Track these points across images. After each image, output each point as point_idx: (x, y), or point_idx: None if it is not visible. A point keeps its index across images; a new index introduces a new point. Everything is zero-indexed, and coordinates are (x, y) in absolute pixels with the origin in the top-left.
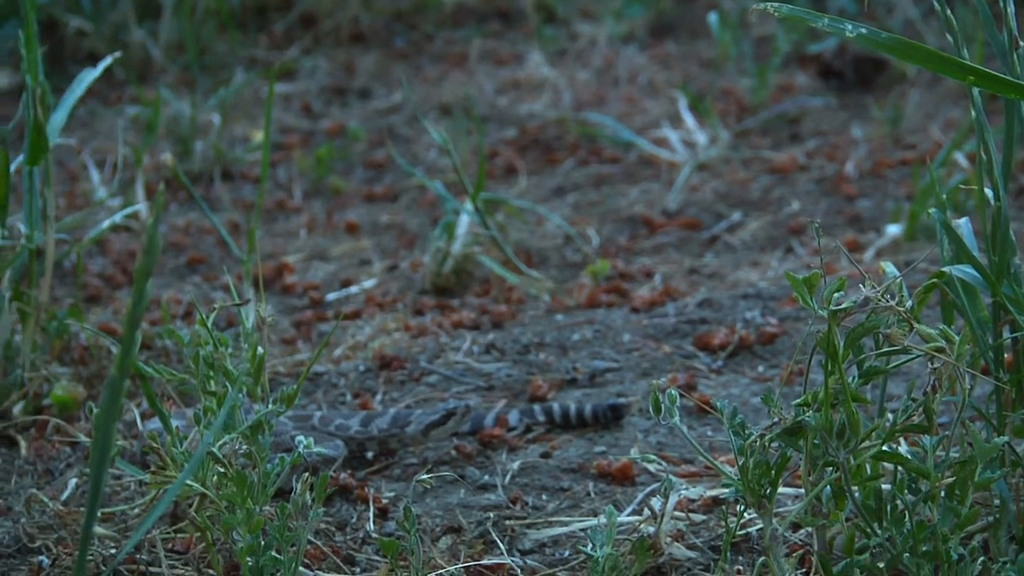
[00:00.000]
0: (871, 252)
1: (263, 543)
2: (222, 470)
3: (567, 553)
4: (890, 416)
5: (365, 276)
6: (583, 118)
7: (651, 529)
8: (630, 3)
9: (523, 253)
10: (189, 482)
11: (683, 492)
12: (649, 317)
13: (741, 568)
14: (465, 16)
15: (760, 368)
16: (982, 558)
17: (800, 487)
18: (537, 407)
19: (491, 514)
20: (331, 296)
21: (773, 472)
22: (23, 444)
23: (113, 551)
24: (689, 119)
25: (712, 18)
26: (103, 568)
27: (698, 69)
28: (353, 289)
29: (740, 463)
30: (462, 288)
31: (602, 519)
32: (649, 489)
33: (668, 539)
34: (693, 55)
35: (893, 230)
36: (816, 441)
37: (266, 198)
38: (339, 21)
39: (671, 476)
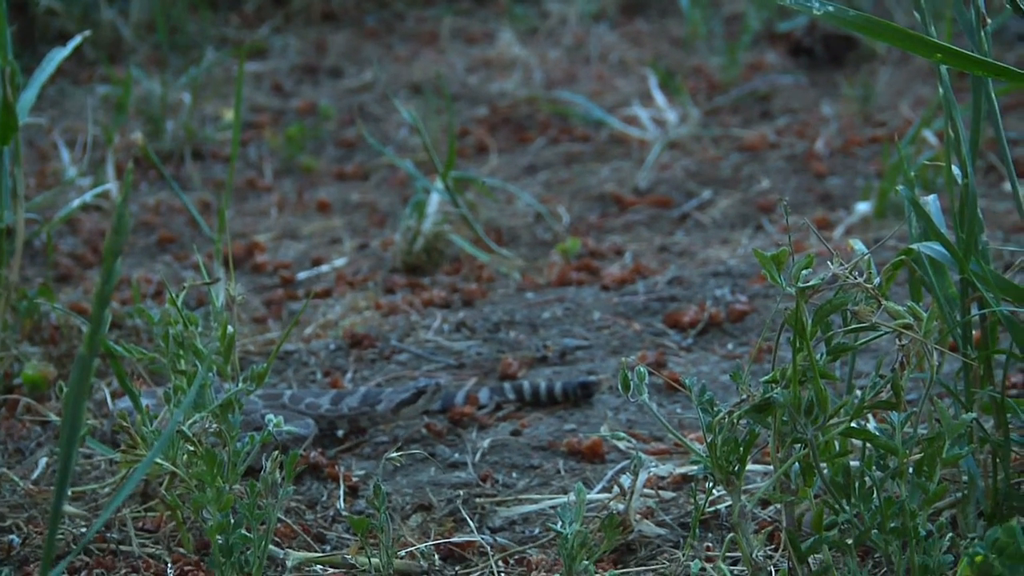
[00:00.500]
0: (840, 230)
1: (233, 521)
2: (192, 449)
3: (537, 530)
4: (858, 393)
5: (336, 255)
6: (554, 96)
7: (621, 506)
8: None
9: (493, 231)
10: (159, 461)
11: (652, 469)
12: (619, 295)
13: (710, 545)
14: None
15: (730, 346)
16: (950, 534)
17: (769, 464)
18: (507, 385)
19: (461, 492)
20: (302, 275)
21: (741, 449)
22: None
23: (83, 530)
24: (660, 97)
25: (683, 1)
26: (73, 547)
27: (669, 47)
28: (324, 268)
29: (709, 440)
30: (433, 266)
31: (572, 496)
32: (619, 467)
33: (638, 516)
34: (663, 33)
35: (863, 208)
36: (784, 418)
37: (237, 177)
38: (310, 0)
39: (640, 454)
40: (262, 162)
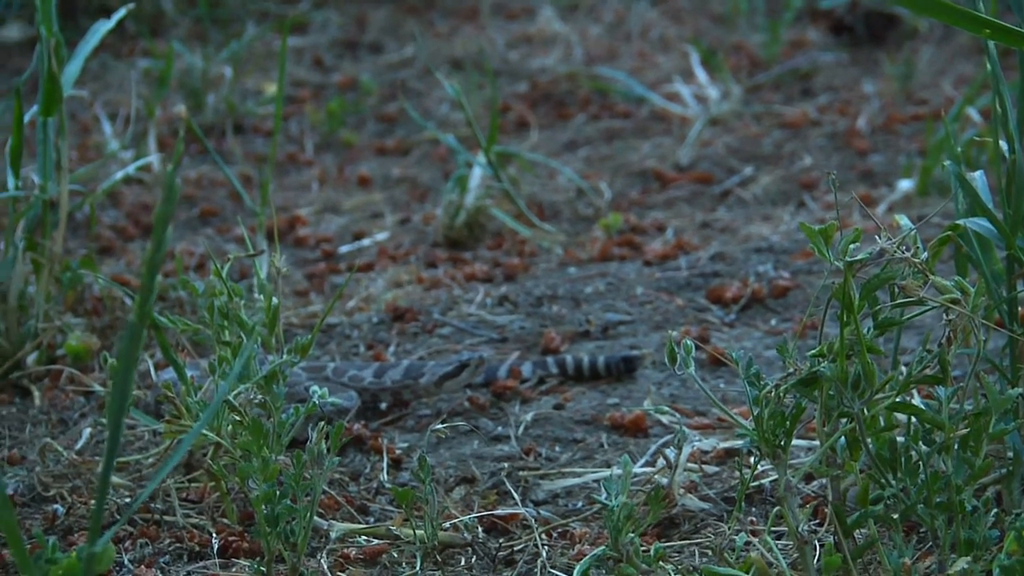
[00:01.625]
0: (883, 207)
1: (278, 492)
2: (238, 419)
3: (580, 504)
4: (904, 368)
5: (377, 229)
6: (595, 73)
7: (664, 480)
8: None
9: (535, 206)
10: (204, 431)
11: (696, 443)
12: (662, 270)
13: (754, 519)
14: None
15: (772, 321)
16: (995, 509)
17: (812, 439)
18: (550, 359)
19: (504, 465)
20: (344, 248)
21: (788, 423)
22: (37, 394)
23: (128, 500)
24: (701, 74)
25: None
26: (118, 517)
27: (709, 24)
28: (365, 242)
29: (755, 413)
30: (474, 241)
31: (616, 470)
32: (662, 441)
33: (681, 490)
34: (704, 10)
35: (905, 185)
36: (831, 392)
37: (278, 151)
38: None
39: (684, 428)
40: (303, 136)
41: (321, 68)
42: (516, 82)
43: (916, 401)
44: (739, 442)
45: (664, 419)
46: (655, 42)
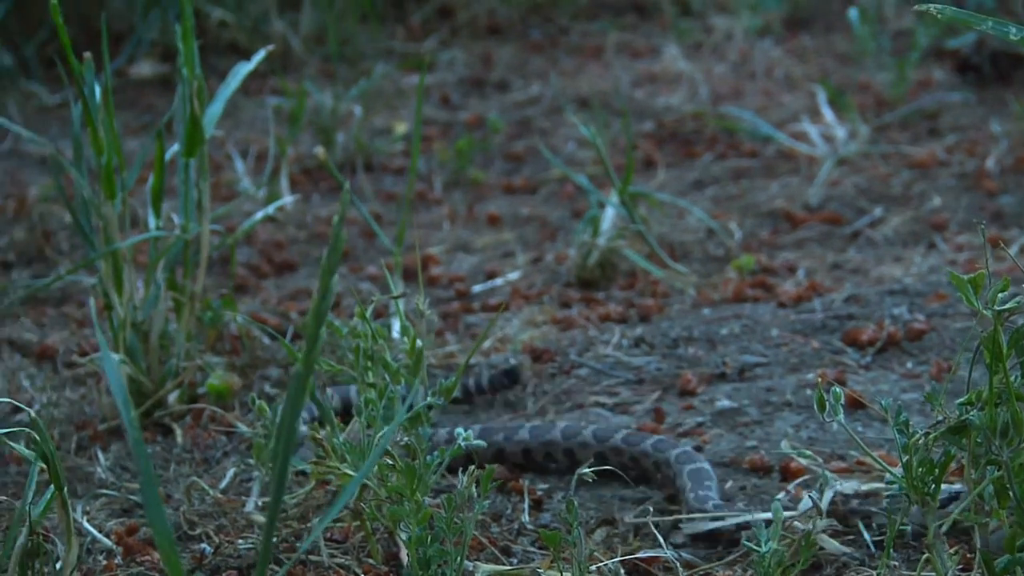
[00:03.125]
0: (1015, 248)
1: (429, 535)
2: (389, 462)
3: (723, 547)
4: None
5: (509, 268)
6: (720, 111)
7: (803, 525)
8: None
9: (666, 247)
10: (349, 472)
11: (838, 487)
12: (796, 312)
13: (896, 563)
14: (600, 9)
15: (909, 364)
16: None
17: (954, 484)
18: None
19: (646, 507)
20: (476, 288)
21: (937, 470)
22: (179, 433)
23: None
24: (828, 113)
25: (853, 13)
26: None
27: (834, 63)
28: (498, 281)
29: (903, 460)
30: (607, 281)
31: (767, 514)
32: (796, 482)
33: (824, 534)
34: (828, 49)
35: None
36: (979, 440)
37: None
38: (475, 13)
39: (826, 471)
40: (432, 174)
41: (448, 106)
42: (642, 120)
43: None
44: (879, 484)
45: (804, 462)
46: (779, 81)
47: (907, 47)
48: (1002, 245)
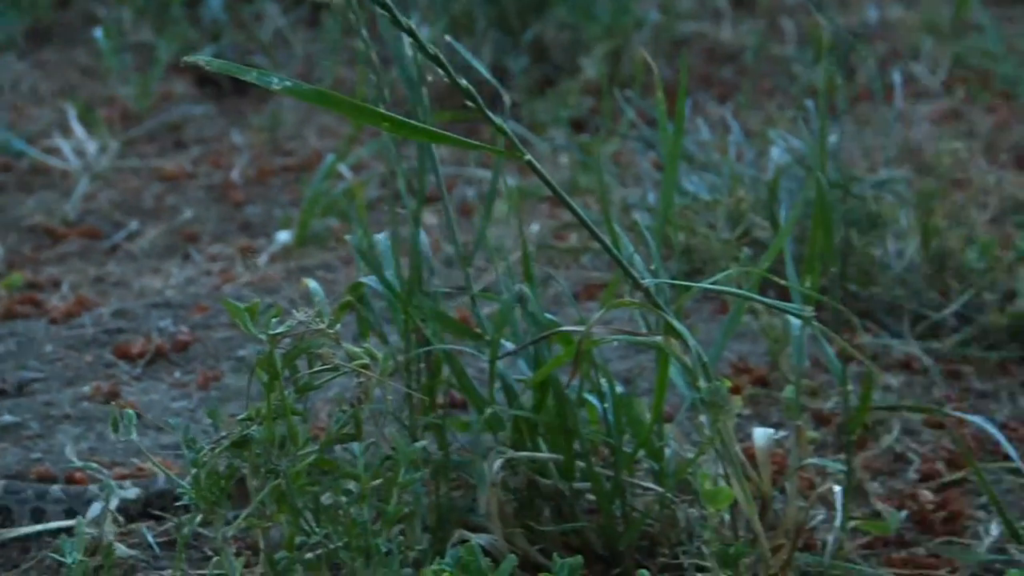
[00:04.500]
0: (264, 257)
1: None
2: None
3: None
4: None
5: None
6: None
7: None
8: (4, 11)
9: None
10: None
11: (122, 494)
12: (68, 328)
13: (185, 567)
14: None
15: (177, 374)
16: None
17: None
18: None
19: None
20: None
21: (223, 481)
22: None
23: None
24: (78, 128)
25: (98, 34)
26: None
27: (79, 77)
28: None
29: (193, 473)
30: None
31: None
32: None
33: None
34: (72, 63)
35: (283, 236)
36: (259, 452)
37: None
38: None
39: (110, 480)
40: None
41: None
42: None
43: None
44: (161, 487)
45: (89, 472)
46: (27, 95)
47: (149, 61)
48: (251, 255)
